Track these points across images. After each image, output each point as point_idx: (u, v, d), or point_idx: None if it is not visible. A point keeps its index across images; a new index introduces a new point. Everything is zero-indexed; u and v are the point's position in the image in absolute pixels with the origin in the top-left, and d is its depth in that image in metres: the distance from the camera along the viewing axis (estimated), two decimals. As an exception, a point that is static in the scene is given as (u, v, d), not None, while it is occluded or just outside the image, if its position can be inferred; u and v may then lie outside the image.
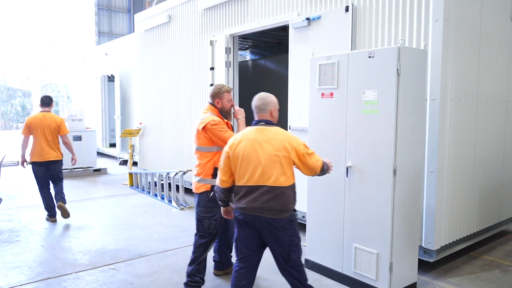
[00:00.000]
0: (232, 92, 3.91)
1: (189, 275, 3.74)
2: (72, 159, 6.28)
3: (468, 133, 4.44)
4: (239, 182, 3.06)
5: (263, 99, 3.18)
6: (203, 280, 3.80)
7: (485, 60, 4.59)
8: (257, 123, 3.14)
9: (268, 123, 3.12)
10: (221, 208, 3.39)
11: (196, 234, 3.80)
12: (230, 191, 3.20)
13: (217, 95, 3.82)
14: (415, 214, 3.72)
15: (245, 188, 3.02)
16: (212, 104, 3.85)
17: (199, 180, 3.73)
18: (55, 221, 6.07)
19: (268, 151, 2.97)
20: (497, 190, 5.02)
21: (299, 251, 3.14)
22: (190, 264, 3.76)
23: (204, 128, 3.62)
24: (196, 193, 3.78)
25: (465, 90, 4.31)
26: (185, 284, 3.75)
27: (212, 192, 3.64)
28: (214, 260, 4.22)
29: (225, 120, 3.85)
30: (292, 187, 3.07)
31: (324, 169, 3.21)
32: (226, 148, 3.15)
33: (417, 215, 3.77)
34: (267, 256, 4.62)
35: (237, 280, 3.12)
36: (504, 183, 5.14)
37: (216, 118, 3.68)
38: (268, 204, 2.95)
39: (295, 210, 3.14)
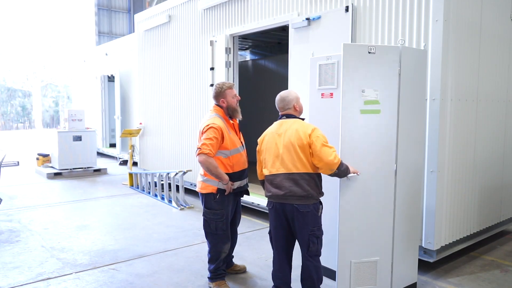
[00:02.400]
0: (234, 87, 3.85)
1: (210, 271, 3.84)
2: None
3: (468, 133, 4.44)
4: (266, 173, 3.35)
5: (283, 99, 3.39)
6: (225, 270, 3.97)
7: (485, 60, 4.59)
8: (280, 118, 3.42)
9: (288, 116, 3.36)
10: None
11: (206, 235, 3.83)
12: None
13: (220, 94, 3.74)
14: (415, 214, 3.71)
15: (270, 177, 3.29)
16: (217, 104, 3.78)
17: (205, 180, 3.70)
18: None
19: (284, 141, 3.23)
20: (497, 190, 5.02)
21: (319, 243, 3.27)
22: (210, 262, 3.84)
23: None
24: (201, 193, 3.75)
25: (465, 90, 4.31)
26: (209, 278, 3.86)
27: (218, 195, 3.66)
28: None
29: (231, 121, 3.80)
30: (311, 175, 3.19)
31: (342, 169, 3.17)
32: (258, 144, 3.46)
33: (417, 215, 3.77)
34: (267, 256, 4.65)
35: (274, 270, 3.43)
36: (504, 183, 5.14)
37: (217, 123, 3.59)
38: (290, 189, 3.16)
39: (321, 203, 3.28)
